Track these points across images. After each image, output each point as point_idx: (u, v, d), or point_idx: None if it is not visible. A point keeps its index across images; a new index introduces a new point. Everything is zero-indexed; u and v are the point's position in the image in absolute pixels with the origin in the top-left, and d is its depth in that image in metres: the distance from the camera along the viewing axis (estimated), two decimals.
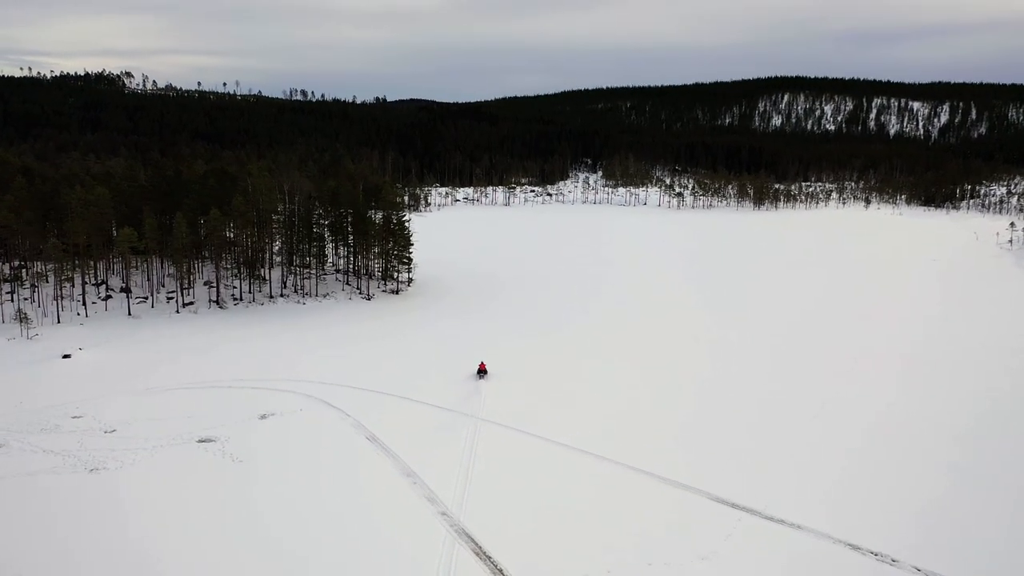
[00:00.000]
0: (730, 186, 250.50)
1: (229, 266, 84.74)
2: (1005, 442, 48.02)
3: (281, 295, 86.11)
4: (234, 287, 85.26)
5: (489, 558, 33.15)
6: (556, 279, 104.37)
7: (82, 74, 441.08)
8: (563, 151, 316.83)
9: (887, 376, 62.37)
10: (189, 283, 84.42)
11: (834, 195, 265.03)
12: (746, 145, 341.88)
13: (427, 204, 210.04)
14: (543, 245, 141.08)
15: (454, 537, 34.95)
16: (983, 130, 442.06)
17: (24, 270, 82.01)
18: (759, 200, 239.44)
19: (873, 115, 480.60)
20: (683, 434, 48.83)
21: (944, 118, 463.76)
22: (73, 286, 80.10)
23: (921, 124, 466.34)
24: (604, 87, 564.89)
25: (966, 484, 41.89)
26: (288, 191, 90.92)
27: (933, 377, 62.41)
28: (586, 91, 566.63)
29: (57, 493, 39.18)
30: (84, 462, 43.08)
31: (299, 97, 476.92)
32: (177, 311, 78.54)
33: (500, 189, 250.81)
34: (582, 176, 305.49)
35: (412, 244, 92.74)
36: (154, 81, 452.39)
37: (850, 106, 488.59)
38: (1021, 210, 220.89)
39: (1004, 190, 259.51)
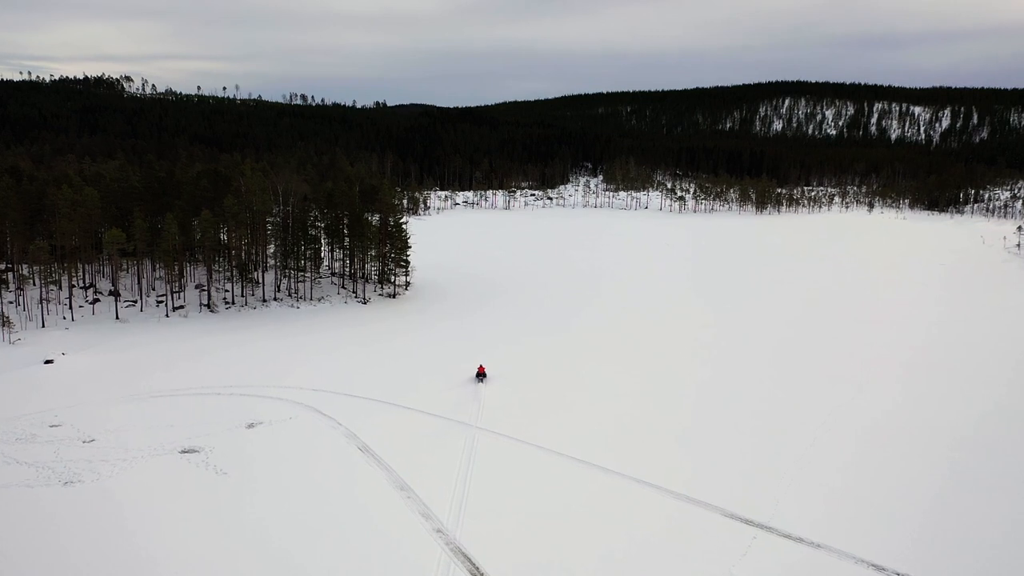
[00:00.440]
0: (732, 190, 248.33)
1: (220, 269, 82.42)
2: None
3: (274, 299, 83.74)
4: (226, 290, 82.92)
5: None
6: (556, 283, 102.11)
7: (81, 78, 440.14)
8: (563, 155, 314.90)
9: (894, 383, 60.10)
10: (180, 286, 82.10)
11: (837, 199, 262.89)
12: (747, 149, 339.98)
13: (426, 208, 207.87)
14: (543, 248, 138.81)
15: (450, 557, 32.60)
16: (985, 135, 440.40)
17: (10, 273, 79.71)
18: (761, 204, 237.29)
19: (874, 120, 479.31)
20: (687, 443, 46.54)
21: (946, 123, 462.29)
22: (61, 289, 77.81)
23: (922, 129, 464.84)
24: (604, 92, 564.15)
25: (977, 494, 39.59)
26: (282, 192, 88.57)
27: (945, 386, 60.09)
28: (586, 96, 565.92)
29: (28, 508, 36.80)
30: (59, 474, 40.69)
31: (299, 101, 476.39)
32: (167, 315, 76.20)
33: (500, 193, 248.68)
34: (583, 180, 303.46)
35: (410, 247, 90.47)
36: (153, 85, 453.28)
37: (851, 111, 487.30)
38: None
39: (1008, 194, 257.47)
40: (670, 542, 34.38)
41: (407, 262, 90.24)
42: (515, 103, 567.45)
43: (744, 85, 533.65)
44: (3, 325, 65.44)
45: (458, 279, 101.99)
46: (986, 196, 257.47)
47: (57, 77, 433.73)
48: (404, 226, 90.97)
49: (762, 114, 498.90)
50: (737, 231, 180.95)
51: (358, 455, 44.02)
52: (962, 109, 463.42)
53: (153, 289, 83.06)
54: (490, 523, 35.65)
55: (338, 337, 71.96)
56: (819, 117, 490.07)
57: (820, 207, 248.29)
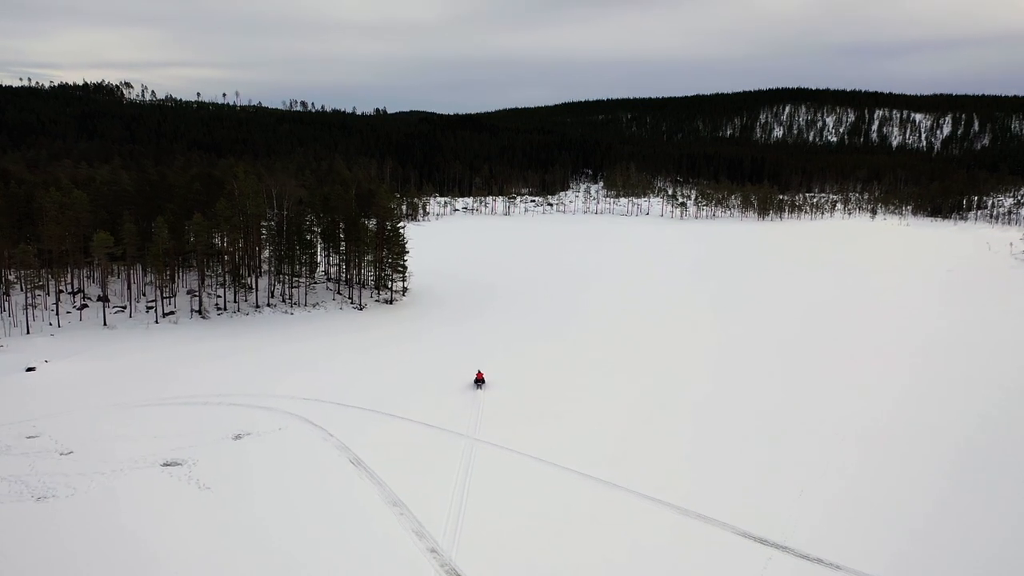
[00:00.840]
0: (733, 196, 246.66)
1: (212, 274, 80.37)
2: None
3: (268, 305, 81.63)
4: (219, 296, 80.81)
5: None
6: (555, 288, 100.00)
7: (81, 84, 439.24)
8: (563, 162, 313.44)
9: (906, 391, 57.87)
10: (171, 292, 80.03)
11: (839, 206, 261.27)
12: (748, 156, 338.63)
13: (425, 213, 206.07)
14: (542, 254, 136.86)
15: None
16: (986, 142, 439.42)
17: None
18: (763, 211, 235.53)
19: (875, 127, 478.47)
20: (694, 455, 44.30)
21: (947, 130, 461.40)
22: (48, 294, 75.73)
23: (923, 136, 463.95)
24: (604, 99, 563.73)
25: (1006, 512, 37.35)
26: (276, 196, 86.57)
27: (961, 394, 57.86)
28: (586, 102, 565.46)
29: None
30: (32, 489, 38.46)
31: (299, 108, 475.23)
32: (156, 321, 74.08)
33: (500, 199, 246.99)
34: (583, 187, 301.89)
35: (407, 252, 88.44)
36: (153, 91, 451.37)
37: (852, 118, 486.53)
38: None
39: (1012, 201, 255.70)
40: (681, 565, 32.14)
41: (404, 267, 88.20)
42: (515, 110, 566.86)
43: (744, 92, 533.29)
44: None
45: (456, 285, 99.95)
46: (989, 203, 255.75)
47: (56, 83, 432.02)
48: (401, 231, 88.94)
49: (763, 121, 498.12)
50: (740, 237, 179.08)
51: (349, 468, 41.80)
52: (963, 116, 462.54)
53: (144, 295, 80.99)
54: (487, 542, 33.45)
55: (333, 344, 69.85)
56: (820, 124, 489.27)
57: (822, 213, 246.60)
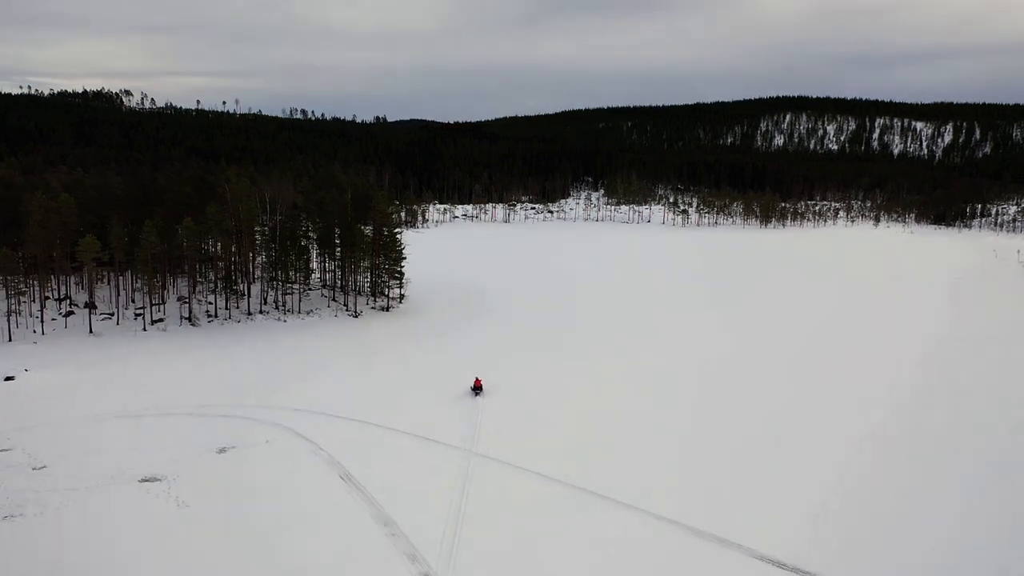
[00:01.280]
0: (735, 204, 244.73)
1: (202, 279, 78.04)
2: None
3: (260, 312, 79.24)
4: (210, 303, 78.43)
5: None
6: (556, 296, 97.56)
7: (80, 92, 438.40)
8: (564, 170, 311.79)
9: (925, 405, 55.39)
10: (161, 299, 77.67)
11: (842, 213, 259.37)
12: (749, 164, 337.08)
13: (424, 220, 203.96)
14: (542, 261, 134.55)
15: None
16: (988, 150, 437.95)
17: None
18: (766, 218, 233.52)
19: (876, 135, 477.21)
20: (704, 472, 41.75)
21: (948, 138, 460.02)
22: (34, 301, 73.36)
23: (925, 144, 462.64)
24: (605, 107, 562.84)
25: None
26: (269, 200, 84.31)
27: (984, 407, 55.39)
28: (587, 111, 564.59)
29: None
30: (0, 507, 35.99)
31: (299, 116, 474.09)
32: (144, 328, 71.68)
33: (500, 206, 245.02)
34: (583, 194, 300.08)
35: (404, 258, 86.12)
36: (152, 99, 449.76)
37: (853, 126, 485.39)
38: None
39: (1016, 209, 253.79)
40: None
41: (401, 274, 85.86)
42: (515, 118, 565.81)
43: (745, 100, 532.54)
44: None
45: (455, 292, 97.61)
46: (993, 211, 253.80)
47: (56, 91, 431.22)
48: (398, 236, 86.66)
49: (763, 129, 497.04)
50: (743, 244, 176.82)
51: (339, 485, 39.31)
52: (964, 124, 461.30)
53: (133, 302, 78.59)
54: (485, 567, 30.97)
55: (326, 352, 67.43)
56: (820, 132, 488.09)
57: (825, 221, 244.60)
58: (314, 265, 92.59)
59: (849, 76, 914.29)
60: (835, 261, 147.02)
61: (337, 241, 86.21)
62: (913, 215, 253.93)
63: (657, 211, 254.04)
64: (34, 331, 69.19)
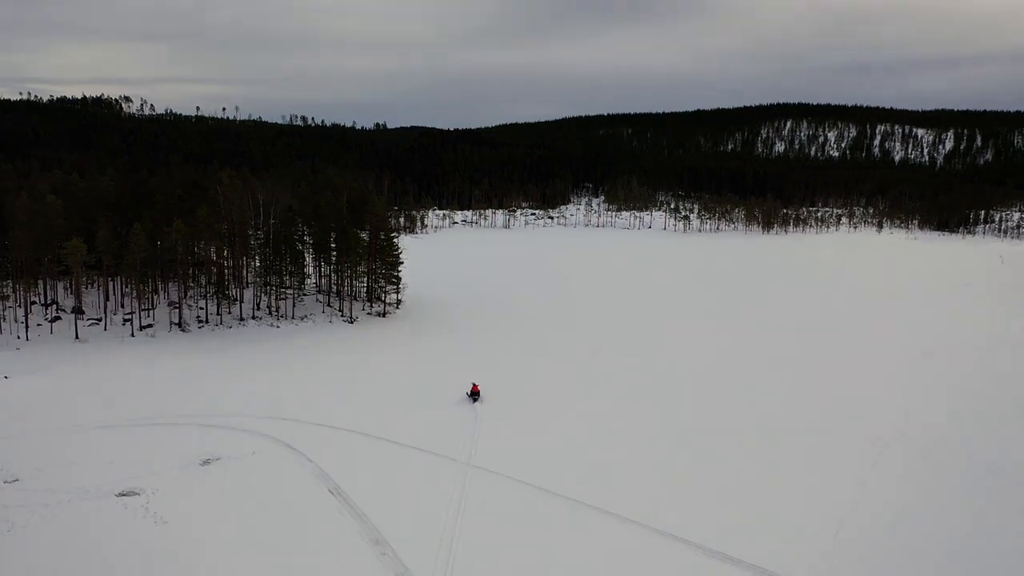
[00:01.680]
0: (737, 210, 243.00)
1: (193, 284, 75.97)
2: None
3: (253, 317, 77.09)
4: (201, 308, 76.27)
5: None
6: (556, 302, 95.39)
7: (79, 98, 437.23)
8: (564, 176, 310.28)
9: (946, 417, 53.17)
10: (151, 304, 75.55)
11: (844, 219, 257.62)
12: (750, 170, 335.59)
13: (423, 226, 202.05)
14: (542, 267, 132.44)
15: None
16: (989, 157, 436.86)
17: None
18: (768, 224, 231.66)
19: (877, 142, 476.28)
20: (712, 484, 39.53)
21: (949, 145, 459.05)
22: (19, 306, 71.23)
23: (926, 151, 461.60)
24: (605, 114, 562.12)
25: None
26: (263, 202, 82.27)
27: (988, 424, 53.18)
28: (587, 117, 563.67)
29: None
30: None
31: (299, 122, 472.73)
32: (132, 334, 69.52)
33: (500, 212, 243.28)
34: (584, 200, 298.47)
35: (401, 262, 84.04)
36: (152, 106, 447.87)
37: (854, 133, 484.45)
38: None
39: (1020, 215, 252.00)
40: None
41: (398, 279, 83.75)
42: (515, 125, 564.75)
43: (746, 107, 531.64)
44: None
45: (453, 297, 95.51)
46: (997, 217, 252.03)
47: (56, 97, 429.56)
48: (395, 240, 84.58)
49: (764, 136, 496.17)
50: (746, 250, 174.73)
51: (328, 500, 37.07)
52: (965, 131, 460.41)
53: (122, 307, 76.42)
54: None
55: (319, 359, 65.25)
56: (821, 139, 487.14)
57: (828, 227, 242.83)
58: (309, 270, 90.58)
59: (850, 83, 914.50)
60: (842, 266, 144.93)
61: (333, 245, 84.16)
62: (916, 221, 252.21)
63: (658, 217, 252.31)
64: (18, 337, 67.04)
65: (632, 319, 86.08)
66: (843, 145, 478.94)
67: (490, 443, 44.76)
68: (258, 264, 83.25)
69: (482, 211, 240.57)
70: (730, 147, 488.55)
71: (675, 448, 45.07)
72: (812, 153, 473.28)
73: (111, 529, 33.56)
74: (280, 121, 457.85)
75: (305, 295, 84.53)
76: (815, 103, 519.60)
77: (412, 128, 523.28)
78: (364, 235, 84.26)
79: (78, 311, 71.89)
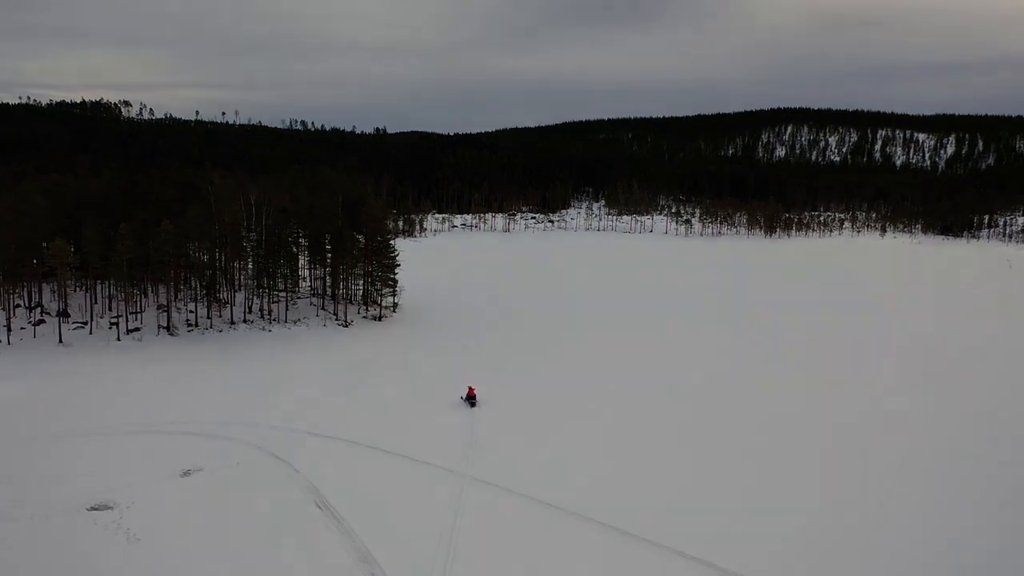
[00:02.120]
0: (738, 214, 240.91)
1: (183, 287, 73.72)
2: None
3: (244, 321, 74.77)
4: (191, 311, 73.97)
5: None
6: (555, 305, 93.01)
7: (78, 102, 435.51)
8: (564, 180, 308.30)
9: (969, 434, 50.83)
10: (139, 307, 73.30)
11: (847, 224, 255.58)
12: (752, 174, 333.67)
13: (422, 230, 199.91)
14: (541, 271, 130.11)
15: None
16: (991, 161, 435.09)
17: None
18: (771, 228, 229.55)
19: (878, 146, 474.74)
20: (722, 499, 37.18)
21: (951, 149, 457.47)
22: (3, 308, 68.93)
23: (927, 155, 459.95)
24: (606, 118, 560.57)
25: None
26: (255, 202, 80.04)
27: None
28: (587, 122, 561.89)
29: None
30: None
31: (298, 127, 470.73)
32: (118, 338, 67.22)
33: (499, 216, 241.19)
34: (584, 204, 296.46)
35: (398, 265, 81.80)
36: (151, 110, 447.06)
37: (855, 137, 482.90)
38: None
39: None
40: None
41: (395, 282, 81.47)
42: (515, 130, 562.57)
43: (746, 112, 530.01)
44: None
45: (451, 300, 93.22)
46: (1001, 221, 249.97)
47: (55, 101, 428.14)
48: (391, 241, 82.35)
49: (765, 140, 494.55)
50: (748, 255, 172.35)
51: (315, 514, 34.75)
52: (967, 136, 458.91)
53: (109, 310, 74.12)
54: None
55: (311, 364, 62.93)
56: (822, 144, 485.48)
57: (830, 231, 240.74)
58: (304, 273, 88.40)
59: (850, 88, 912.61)
60: (849, 270, 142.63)
61: (328, 247, 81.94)
62: (919, 225, 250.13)
63: (659, 221, 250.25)
64: None
65: (634, 323, 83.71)
66: (844, 150, 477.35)
67: (488, 453, 42.47)
68: (251, 267, 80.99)
69: (482, 215, 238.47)
70: (731, 152, 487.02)
71: (679, 459, 42.83)
72: (813, 158, 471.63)
73: (78, 547, 31.24)
74: (279, 126, 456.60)
75: (299, 298, 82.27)
76: (816, 108, 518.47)
77: (412, 133, 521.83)
78: (360, 237, 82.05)
79: (63, 314, 69.61)
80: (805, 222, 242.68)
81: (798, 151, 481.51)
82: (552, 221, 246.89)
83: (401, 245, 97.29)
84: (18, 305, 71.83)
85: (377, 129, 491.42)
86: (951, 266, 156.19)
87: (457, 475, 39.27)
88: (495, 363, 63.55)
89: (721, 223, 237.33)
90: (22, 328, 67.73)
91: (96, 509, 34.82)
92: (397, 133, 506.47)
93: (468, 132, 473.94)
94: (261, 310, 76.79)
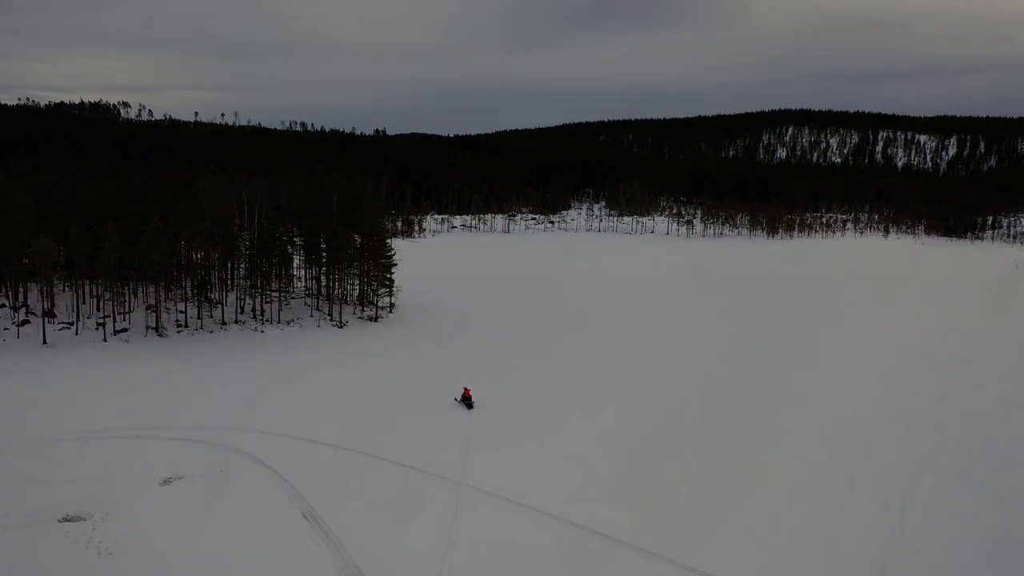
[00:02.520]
0: (740, 215, 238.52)
1: (174, 287, 71.56)
2: None
3: (236, 321, 72.58)
4: (181, 312, 71.79)
5: None
6: (555, 307, 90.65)
7: (77, 103, 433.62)
8: (565, 181, 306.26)
9: (954, 436, 48.69)
10: (128, 307, 71.14)
11: (850, 225, 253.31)
12: (753, 176, 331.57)
13: (421, 230, 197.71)
14: (541, 272, 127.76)
15: None
16: (993, 163, 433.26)
17: None
18: (773, 229, 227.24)
19: (879, 148, 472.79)
20: (729, 508, 35.02)
21: (952, 151, 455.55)
22: None
23: (929, 157, 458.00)
24: (606, 120, 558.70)
25: None
26: (248, 200, 77.86)
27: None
28: (587, 124, 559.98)
29: None
30: None
31: (298, 128, 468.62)
32: (105, 339, 65.05)
33: (500, 217, 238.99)
34: (585, 205, 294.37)
35: (395, 264, 79.65)
36: (150, 111, 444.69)
37: (856, 139, 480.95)
38: None
39: None
40: None
41: (391, 281, 79.30)
42: (515, 131, 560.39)
43: (747, 113, 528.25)
44: None
45: (449, 301, 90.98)
46: (1006, 223, 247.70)
47: (54, 102, 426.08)
48: (387, 240, 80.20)
49: (765, 142, 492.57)
50: (751, 256, 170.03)
51: (301, 525, 32.61)
52: (968, 138, 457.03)
53: (98, 310, 71.93)
54: None
55: (303, 366, 60.73)
56: (823, 145, 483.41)
57: (833, 232, 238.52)
58: (300, 273, 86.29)
59: (851, 90, 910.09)
60: (855, 271, 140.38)
61: (323, 246, 79.80)
62: (923, 227, 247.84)
63: (660, 222, 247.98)
64: None
65: (635, 326, 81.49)
66: (845, 151, 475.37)
67: (485, 459, 40.33)
68: (245, 266, 78.79)
69: (481, 216, 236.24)
70: (731, 153, 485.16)
71: (680, 464, 40.82)
72: (814, 159, 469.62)
73: (41, 563, 29.09)
74: (279, 127, 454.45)
75: (293, 298, 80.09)
76: (817, 109, 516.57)
77: (412, 135, 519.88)
78: (357, 236, 79.89)
79: (49, 314, 67.45)
80: (808, 223, 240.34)
81: (799, 152, 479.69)
82: (552, 222, 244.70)
83: (399, 245, 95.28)
84: (2, 305, 69.72)
85: (377, 131, 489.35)
86: (960, 267, 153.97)
87: (453, 483, 37.12)
88: (493, 364, 61.43)
89: (723, 224, 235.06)
90: (5, 329, 65.56)
91: (68, 520, 32.66)
92: (397, 135, 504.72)
93: (468, 134, 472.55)
94: (254, 310, 74.62)
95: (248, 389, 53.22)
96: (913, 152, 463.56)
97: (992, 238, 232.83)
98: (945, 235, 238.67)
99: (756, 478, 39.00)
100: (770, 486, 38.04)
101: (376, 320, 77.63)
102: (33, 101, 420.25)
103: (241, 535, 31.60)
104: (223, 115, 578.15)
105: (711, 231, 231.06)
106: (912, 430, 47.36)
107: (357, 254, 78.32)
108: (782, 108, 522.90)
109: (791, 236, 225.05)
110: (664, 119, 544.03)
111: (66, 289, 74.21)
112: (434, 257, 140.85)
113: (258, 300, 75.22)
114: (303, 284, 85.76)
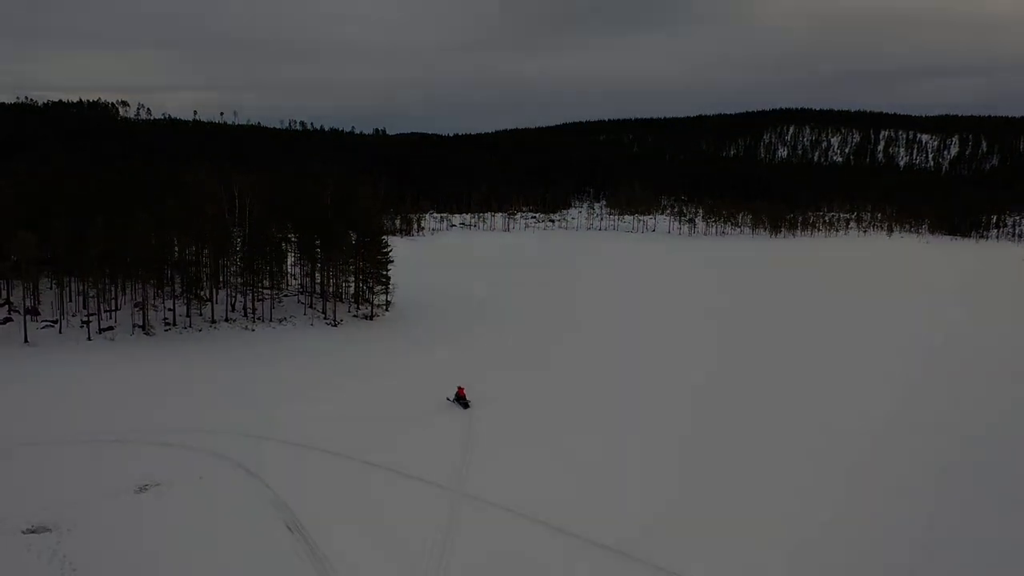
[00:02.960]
0: (741, 214, 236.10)
1: (165, 283, 69.23)
2: None
3: (226, 319, 70.23)
4: (169, 309, 69.42)
5: None
6: (554, 307, 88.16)
7: (75, 102, 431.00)
8: (565, 180, 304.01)
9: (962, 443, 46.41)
10: (115, 305, 68.80)
11: (852, 224, 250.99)
12: (754, 175, 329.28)
13: (419, 228, 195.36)
14: (540, 271, 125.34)
15: None
16: (995, 162, 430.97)
17: None
18: (775, 228, 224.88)
19: (881, 147, 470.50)
20: (734, 515, 32.71)
21: (954, 150, 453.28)
22: None
23: (931, 156, 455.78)
24: (606, 119, 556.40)
25: None
26: (239, 195, 75.49)
27: None
28: (588, 123, 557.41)
29: None
30: None
31: (297, 128, 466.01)
32: (89, 338, 62.71)
33: (499, 215, 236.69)
34: (585, 204, 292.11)
35: (391, 261, 77.29)
36: (148, 110, 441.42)
37: (857, 138, 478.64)
38: None
39: None
40: None
41: (387, 279, 76.95)
42: (515, 131, 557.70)
43: (747, 113, 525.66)
44: None
45: (446, 300, 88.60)
46: (1010, 222, 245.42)
47: (52, 101, 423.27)
48: (383, 237, 77.85)
49: (766, 141, 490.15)
50: (754, 255, 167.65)
51: (284, 538, 30.29)
52: (970, 137, 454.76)
53: (84, 308, 69.52)
54: None
55: (294, 365, 58.41)
56: (824, 144, 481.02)
57: (836, 231, 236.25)
58: (294, 270, 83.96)
59: (852, 89, 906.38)
60: (860, 272, 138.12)
61: (317, 243, 77.42)
62: (926, 226, 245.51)
63: (662, 220, 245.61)
64: None
65: (635, 327, 79.07)
66: (846, 151, 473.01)
67: (483, 465, 38.01)
68: (238, 262, 76.42)
69: (481, 214, 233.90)
70: (732, 152, 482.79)
71: (681, 471, 38.61)
72: (815, 158, 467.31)
73: None
74: (278, 126, 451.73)
75: (285, 296, 77.73)
76: (818, 108, 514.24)
77: (412, 134, 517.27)
78: (352, 233, 77.52)
79: (32, 312, 65.13)
80: (811, 222, 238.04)
81: (800, 152, 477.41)
82: (553, 220, 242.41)
83: (397, 243, 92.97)
84: None
85: (376, 130, 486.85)
86: (969, 267, 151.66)
87: (449, 492, 34.76)
88: (491, 364, 59.14)
89: (725, 223, 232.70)
90: None
91: (32, 532, 30.33)
92: (397, 134, 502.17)
93: (468, 133, 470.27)
94: (245, 308, 72.25)
95: (233, 390, 50.89)
96: (915, 151, 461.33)
97: (997, 237, 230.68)
98: (950, 234, 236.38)
99: (766, 486, 36.72)
100: (779, 494, 35.74)
101: (372, 318, 75.28)
102: (31, 100, 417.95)
103: (218, 549, 29.26)
104: (222, 114, 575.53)
105: (713, 230, 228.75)
106: (926, 437, 45.06)
107: (352, 251, 75.99)
108: (783, 107, 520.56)
109: (793, 235, 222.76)
110: (665, 118, 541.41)
111: (53, 287, 71.96)
112: (432, 255, 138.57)
113: (249, 297, 72.88)
114: (297, 281, 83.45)
